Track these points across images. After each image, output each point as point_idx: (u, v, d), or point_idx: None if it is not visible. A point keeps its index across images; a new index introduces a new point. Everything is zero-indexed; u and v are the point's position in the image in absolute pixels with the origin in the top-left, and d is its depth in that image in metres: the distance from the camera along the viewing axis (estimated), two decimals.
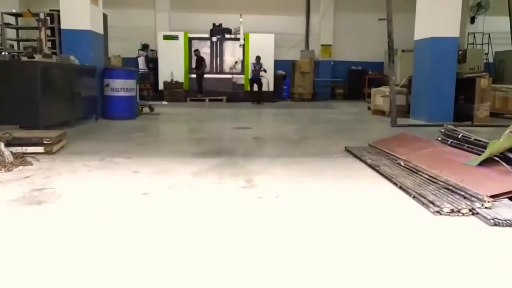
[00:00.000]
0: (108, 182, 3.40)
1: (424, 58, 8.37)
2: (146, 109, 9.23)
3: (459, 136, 4.06)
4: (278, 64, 14.27)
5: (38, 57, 6.29)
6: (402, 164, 3.74)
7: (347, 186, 3.38)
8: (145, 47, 13.65)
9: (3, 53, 10.08)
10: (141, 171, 3.74)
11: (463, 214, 2.56)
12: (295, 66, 14.65)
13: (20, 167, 3.74)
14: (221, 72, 14.38)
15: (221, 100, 13.50)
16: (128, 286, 1.71)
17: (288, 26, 15.87)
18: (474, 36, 15.78)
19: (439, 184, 3.06)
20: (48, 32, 8.79)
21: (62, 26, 7.78)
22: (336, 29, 16.07)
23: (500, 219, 2.40)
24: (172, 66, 13.73)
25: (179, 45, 13.90)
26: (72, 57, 6.93)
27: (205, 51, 14.04)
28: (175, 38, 13.94)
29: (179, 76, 13.79)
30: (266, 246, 2.13)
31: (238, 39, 13.91)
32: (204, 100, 13.30)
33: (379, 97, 9.48)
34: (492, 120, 8.05)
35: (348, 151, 4.73)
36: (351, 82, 15.92)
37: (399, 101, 8.44)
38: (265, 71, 13.20)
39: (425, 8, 8.32)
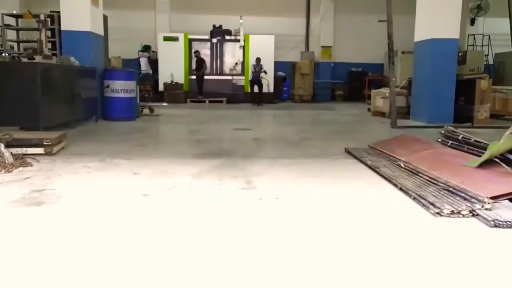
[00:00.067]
0: (108, 183, 3.40)
1: (424, 60, 8.38)
2: (146, 110, 9.23)
3: (459, 138, 4.06)
4: (278, 65, 14.27)
5: (38, 58, 6.30)
6: (402, 165, 3.73)
7: (347, 188, 3.38)
8: (147, 48, 13.63)
9: (3, 54, 10.12)
10: (141, 172, 3.74)
11: (463, 216, 2.55)
12: (295, 67, 14.66)
13: (20, 168, 3.74)
14: (221, 73, 14.39)
15: (221, 101, 13.50)
16: (128, 287, 1.71)
17: (288, 27, 15.89)
18: (474, 38, 15.80)
19: (439, 185, 3.06)
20: (49, 33, 8.81)
21: (63, 28, 7.79)
22: (336, 31, 16.08)
23: (501, 221, 2.39)
24: (172, 68, 13.74)
25: (179, 46, 13.91)
26: (72, 58, 6.94)
27: (205, 52, 14.05)
28: (175, 39, 13.95)
29: (179, 77, 13.80)
30: (266, 248, 2.13)
31: (238, 41, 13.91)
32: (204, 102, 13.30)
33: (379, 98, 9.48)
34: (492, 122, 8.05)
35: (348, 152, 4.73)
36: (351, 84, 15.93)
37: (399, 103, 8.44)
38: (265, 72, 13.20)
39: (425, 9, 8.33)
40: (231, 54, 14.42)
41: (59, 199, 2.89)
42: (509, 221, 2.39)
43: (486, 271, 1.91)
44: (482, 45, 15.68)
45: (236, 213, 2.68)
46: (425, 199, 2.80)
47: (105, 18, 8.95)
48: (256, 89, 13.08)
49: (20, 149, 4.19)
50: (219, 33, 14.18)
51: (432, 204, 2.69)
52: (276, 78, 14.32)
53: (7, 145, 4.00)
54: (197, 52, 13.59)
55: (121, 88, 7.94)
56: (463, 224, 2.48)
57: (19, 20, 10.66)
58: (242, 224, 2.48)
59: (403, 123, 7.75)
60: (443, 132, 4.43)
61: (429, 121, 7.85)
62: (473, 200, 2.66)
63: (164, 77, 13.72)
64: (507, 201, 2.69)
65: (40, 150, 4.29)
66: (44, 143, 4.32)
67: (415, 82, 8.75)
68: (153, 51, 14.39)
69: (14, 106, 5.57)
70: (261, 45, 13.83)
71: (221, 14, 14.95)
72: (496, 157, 3.23)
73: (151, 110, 9.40)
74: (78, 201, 2.88)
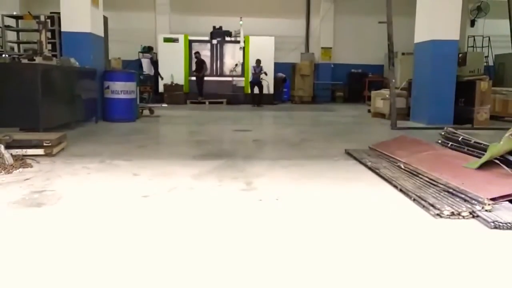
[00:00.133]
0: (108, 185, 3.40)
1: (424, 61, 8.38)
2: (146, 112, 9.23)
3: (459, 139, 4.06)
4: (278, 66, 14.29)
5: (38, 60, 6.30)
6: (402, 166, 3.73)
7: (347, 189, 3.38)
8: (149, 49, 13.60)
9: (3, 55, 10.12)
10: (141, 173, 3.74)
11: (464, 217, 2.55)
12: (295, 68, 14.67)
13: (20, 169, 3.74)
14: (221, 74, 14.40)
15: (221, 102, 13.51)
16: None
17: (288, 29, 15.91)
18: (474, 39, 15.81)
19: (439, 187, 3.06)
20: (49, 34, 8.80)
21: (63, 29, 7.80)
22: (336, 32, 16.10)
23: (501, 222, 2.39)
24: (173, 69, 13.74)
25: (180, 47, 13.91)
26: (72, 60, 6.94)
27: (205, 53, 14.06)
28: (175, 40, 13.95)
29: (179, 78, 13.80)
30: (266, 249, 2.12)
31: (238, 42, 13.92)
32: (204, 103, 13.31)
33: (379, 99, 9.48)
34: (492, 123, 8.05)
35: (348, 153, 4.73)
36: (351, 85, 15.94)
37: (399, 104, 8.44)
38: (265, 74, 13.22)
39: (425, 11, 8.34)
40: (231, 55, 14.43)
41: (59, 200, 2.89)
42: (509, 223, 2.39)
43: (486, 272, 1.90)
44: (482, 47, 15.69)
45: (236, 214, 2.68)
46: (425, 201, 2.80)
47: (105, 19, 8.95)
48: (256, 90, 13.09)
49: (20, 150, 4.18)
50: (219, 34, 14.19)
51: (432, 206, 2.69)
52: (276, 79, 14.33)
53: (7, 146, 4.00)
54: (197, 53, 13.60)
55: (121, 89, 7.94)
56: (463, 225, 2.48)
57: (19, 21, 10.65)
58: (242, 225, 2.48)
59: (403, 125, 7.75)
60: (443, 133, 4.43)
61: (429, 122, 7.85)
62: (473, 201, 2.66)
63: (164, 78, 13.71)
64: (507, 202, 2.69)
65: (40, 151, 4.28)
66: (44, 144, 4.32)
67: (415, 84, 8.75)
68: (154, 52, 14.41)
69: (14, 107, 5.57)
70: (261, 46, 13.85)
71: (221, 15, 14.97)
72: (496, 158, 3.23)
73: (151, 111, 9.40)
74: (78, 202, 2.88)
